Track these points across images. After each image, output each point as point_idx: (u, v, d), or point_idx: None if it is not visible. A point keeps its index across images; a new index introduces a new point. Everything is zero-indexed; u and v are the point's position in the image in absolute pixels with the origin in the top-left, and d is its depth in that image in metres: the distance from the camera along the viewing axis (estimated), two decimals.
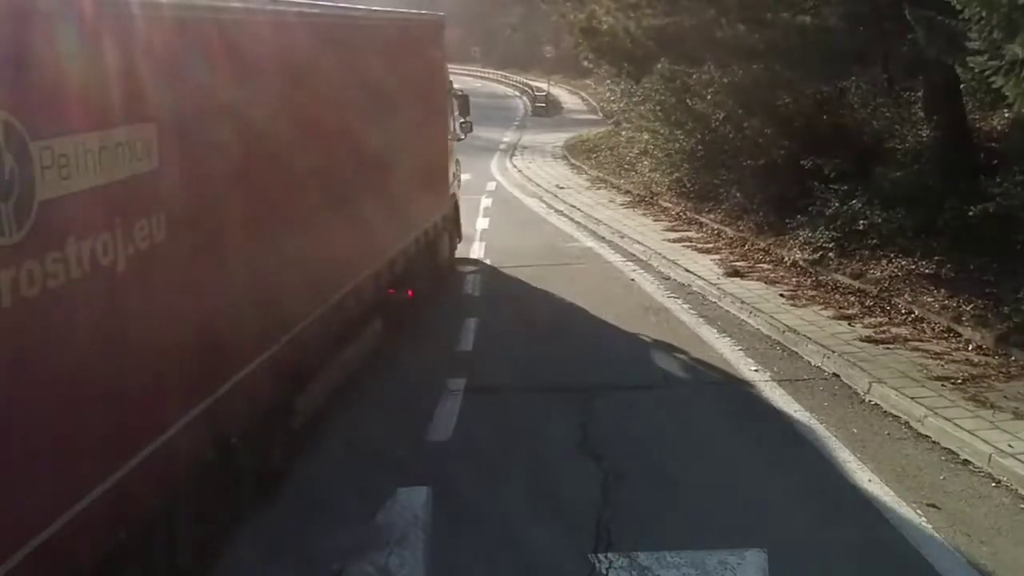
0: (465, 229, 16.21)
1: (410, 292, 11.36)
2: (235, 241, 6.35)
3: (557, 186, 23.41)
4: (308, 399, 7.93)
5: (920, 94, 14.52)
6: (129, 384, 4.96)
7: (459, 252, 15.41)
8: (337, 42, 8.84)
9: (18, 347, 4.11)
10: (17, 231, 4.09)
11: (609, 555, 6.29)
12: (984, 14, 6.65)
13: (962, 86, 12.40)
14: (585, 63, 20.85)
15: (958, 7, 7.01)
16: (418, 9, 19.86)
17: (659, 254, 15.34)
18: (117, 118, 4.88)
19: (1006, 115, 13.11)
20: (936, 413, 8.29)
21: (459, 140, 15.79)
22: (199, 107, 5.85)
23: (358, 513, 6.91)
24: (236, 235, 6.36)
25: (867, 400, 9.01)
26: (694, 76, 17.74)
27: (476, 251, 16.29)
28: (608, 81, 25.83)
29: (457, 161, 15.56)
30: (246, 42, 6.54)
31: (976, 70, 6.82)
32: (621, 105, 24.98)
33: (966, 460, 7.62)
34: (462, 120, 15.63)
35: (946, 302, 11.05)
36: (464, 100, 15.81)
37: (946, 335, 10.44)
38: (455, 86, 15.66)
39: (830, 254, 13.33)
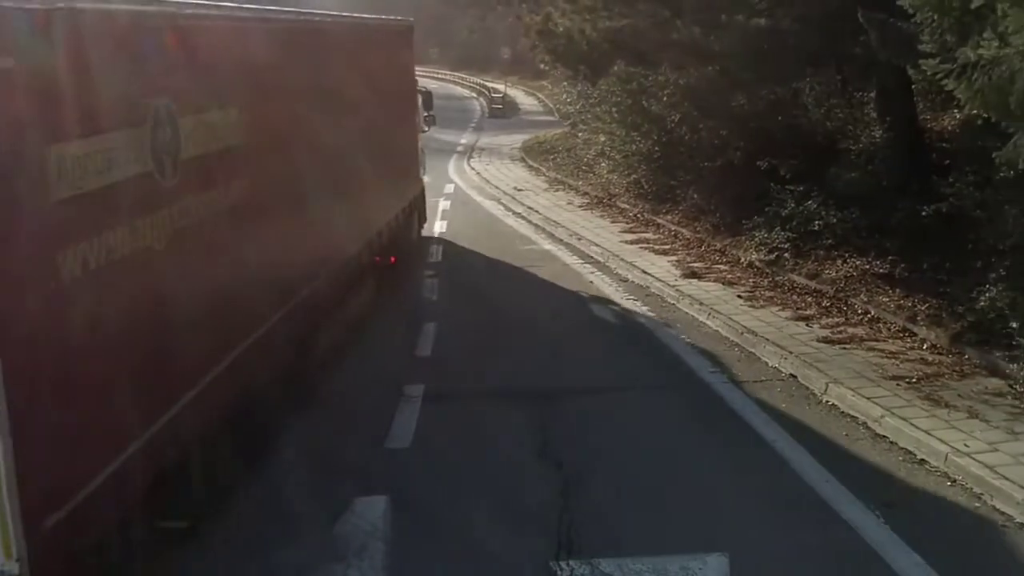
0: (424, 232, 16.79)
1: (392, 259, 13.52)
2: (285, 200, 8.45)
3: (515, 188, 23.38)
4: (326, 336, 9.82)
5: (873, 95, 14.67)
6: (236, 295, 7.05)
7: (417, 256, 15.56)
8: (342, 45, 11.38)
9: (177, 265, 6.02)
10: (172, 178, 6.02)
11: (571, 562, 6.26)
12: (936, 17, 6.71)
13: (913, 87, 12.55)
14: (541, 65, 20.89)
15: (910, 10, 7.08)
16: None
17: (617, 256, 15.36)
18: (223, 102, 6.98)
19: (957, 115, 13.28)
20: (892, 413, 8.36)
21: (423, 132, 17.48)
22: (261, 95, 7.80)
23: (316, 524, 6.83)
24: (286, 194, 8.46)
25: (824, 401, 9.06)
26: (650, 78, 17.79)
27: (434, 255, 16.24)
28: (565, 83, 25.86)
29: (422, 150, 17.15)
30: (283, 44, 8.72)
31: (928, 73, 6.89)
32: (578, 107, 25.01)
33: (923, 460, 7.68)
34: (426, 114, 17.61)
35: (901, 302, 11.15)
36: (428, 96, 17.81)
37: (901, 335, 10.53)
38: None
39: (786, 255, 13.41)
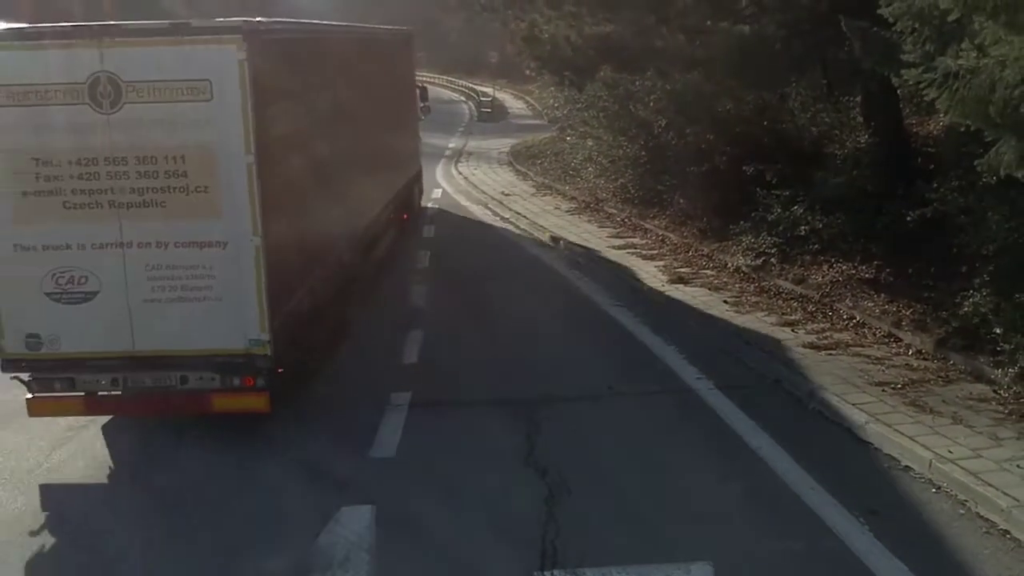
0: (410, 238, 17.29)
1: (405, 216, 18.30)
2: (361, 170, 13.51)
3: (503, 193, 23.38)
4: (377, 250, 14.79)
5: (859, 100, 14.69)
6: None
7: (405, 262, 15.77)
8: (380, 47, 16.78)
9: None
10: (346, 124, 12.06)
11: (555, 572, 6.26)
12: (917, 26, 6.74)
13: (899, 91, 12.57)
14: (527, 71, 20.94)
15: (891, 19, 7.10)
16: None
17: (604, 261, 15.35)
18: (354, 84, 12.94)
19: (942, 121, 13.31)
20: (877, 419, 8.38)
21: (420, 119, 21.89)
22: (359, 80, 13.35)
23: (301, 534, 6.82)
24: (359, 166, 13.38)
25: (810, 407, 9.07)
26: (637, 83, 17.81)
27: (421, 260, 16.23)
28: (552, 88, 25.87)
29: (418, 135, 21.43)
30: (361, 46, 14.07)
31: (910, 82, 6.91)
32: (565, 112, 25.02)
33: (907, 466, 7.70)
34: (422, 104, 22.23)
35: (886, 307, 11.18)
36: (424, 90, 22.64)
37: (887, 340, 10.56)
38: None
39: (772, 260, 13.44)
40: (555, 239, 17.37)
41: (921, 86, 6.55)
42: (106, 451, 8.51)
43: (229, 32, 7.81)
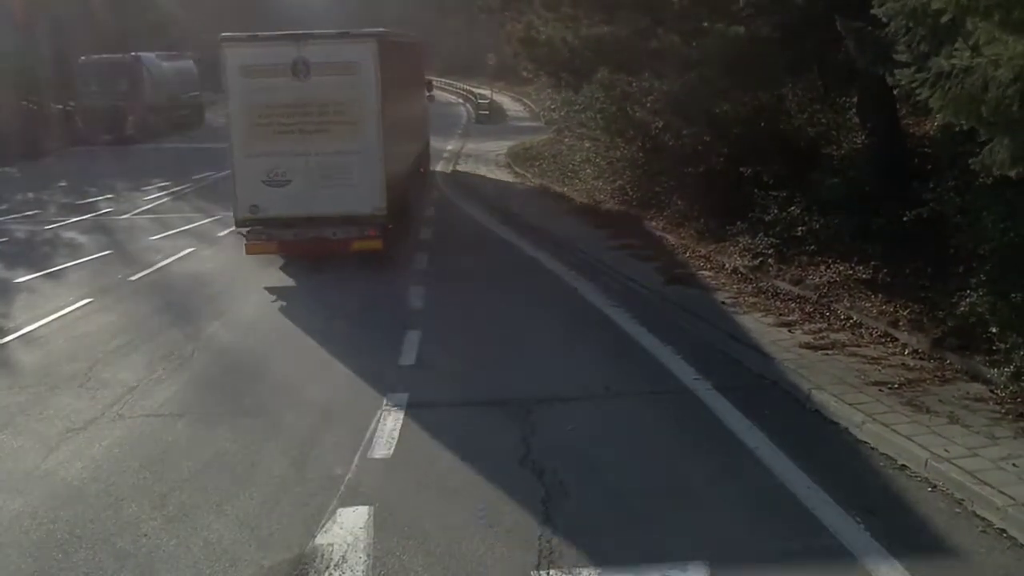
0: (409, 241, 17.47)
1: (423, 169, 24.49)
2: (405, 126, 19.23)
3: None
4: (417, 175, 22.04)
5: (855, 100, 14.72)
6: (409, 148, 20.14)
7: (400, 263, 15.95)
8: (408, 49, 21.46)
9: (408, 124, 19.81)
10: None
11: (551, 572, 6.26)
12: (911, 26, 6.75)
13: (896, 92, 12.57)
14: (524, 73, 20.99)
15: (885, 19, 7.11)
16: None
17: (602, 262, 15.36)
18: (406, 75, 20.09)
19: (937, 121, 13.32)
20: (874, 419, 8.38)
21: (430, 101, 29.38)
22: (404, 70, 19.29)
23: (298, 534, 6.82)
24: (405, 124, 18.98)
25: (807, 407, 9.08)
26: (633, 85, 17.84)
27: (418, 261, 16.25)
28: (549, 89, 25.92)
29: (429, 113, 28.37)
30: (405, 48, 19.65)
31: (903, 82, 6.91)
32: (563, 114, 25.06)
33: (903, 465, 7.70)
34: (428, 94, 28.68)
35: (883, 307, 11.19)
36: (429, 82, 29.79)
37: (883, 340, 10.57)
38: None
39: (770, 260, 13.45)
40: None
41: (914, 86, 6.56)
42: (103, 454, 8.51)
43: (368, 37, 14.88)
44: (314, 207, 14.59)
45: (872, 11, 7.45)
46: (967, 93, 6.06)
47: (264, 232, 14.90)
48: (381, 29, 15.47)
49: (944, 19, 6.05)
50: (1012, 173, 6.70)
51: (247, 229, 14.90)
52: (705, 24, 12.57)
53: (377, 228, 14.79)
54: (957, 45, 6.07)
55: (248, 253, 15.07)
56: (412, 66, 22.39)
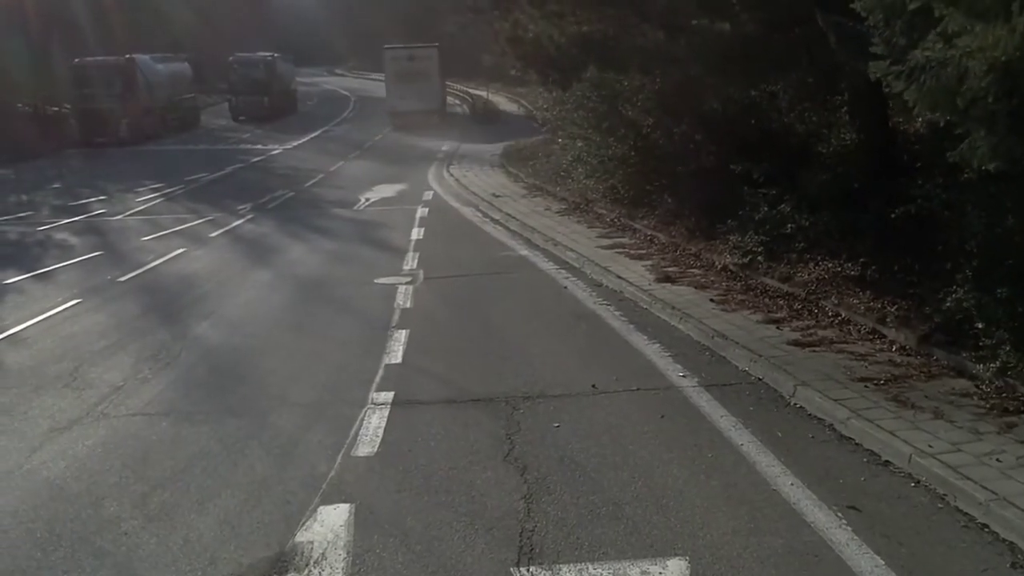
0: (399, 240, 17.72)
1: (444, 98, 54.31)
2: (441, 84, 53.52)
3: (493, 195, 23.39)
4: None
5: (847, 98, 14.68)
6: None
7: (393, 266, 15.74)
8: (428, 54, 50.53)
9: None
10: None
11: (532, 568, 6.23)
12: (888, 19, 6.72)
13: (885, 89, 12.53)
14: (512, 72, 20.95)
15: (862, 13, 7.09)
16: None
17: (592, 261, 15.37)
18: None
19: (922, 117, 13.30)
20: (859, 415, 8.36)
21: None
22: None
23: (278, 533, 6.80)
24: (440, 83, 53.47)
25: (792, 403, 9.06)
26: (624, 83, 17.81)
27: (409, 262, 16.23)
28: (540, 89, 25.91)
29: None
30: (420, 55, 50.58)
31: (878, 75, 6.88)
32: (555, 113, 25.04)
33: (887, 461, 7.68)
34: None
35: (871, 303, 11.17)
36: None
37: (871, 336, 10.56)
38: None
39: (759, 258, 13.43)
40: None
41: (889, 79, 6.53)
42: (87, 453, 8.48)
43: (432, 45, 49.70)
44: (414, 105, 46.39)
45: (851, 5, 7.44)
46: (942, 86, 6.03)
47: (399, 117, 46.96)
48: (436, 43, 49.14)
49: (912, 6, 6.02)
50: (991, 167, 6.67)
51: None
52: (695, 22, 12.53)
53: (437, 114, 45.92)
54: (930, 37, 6.04)
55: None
56: (440, 61, 49.49)
